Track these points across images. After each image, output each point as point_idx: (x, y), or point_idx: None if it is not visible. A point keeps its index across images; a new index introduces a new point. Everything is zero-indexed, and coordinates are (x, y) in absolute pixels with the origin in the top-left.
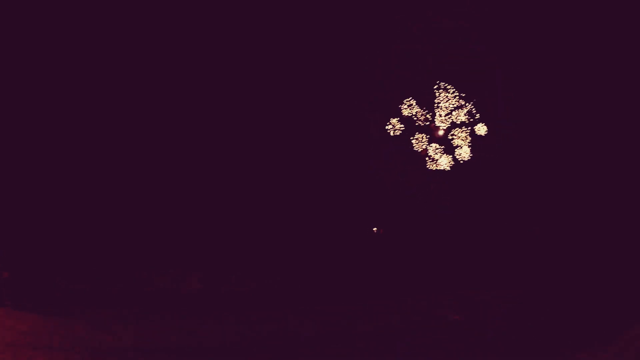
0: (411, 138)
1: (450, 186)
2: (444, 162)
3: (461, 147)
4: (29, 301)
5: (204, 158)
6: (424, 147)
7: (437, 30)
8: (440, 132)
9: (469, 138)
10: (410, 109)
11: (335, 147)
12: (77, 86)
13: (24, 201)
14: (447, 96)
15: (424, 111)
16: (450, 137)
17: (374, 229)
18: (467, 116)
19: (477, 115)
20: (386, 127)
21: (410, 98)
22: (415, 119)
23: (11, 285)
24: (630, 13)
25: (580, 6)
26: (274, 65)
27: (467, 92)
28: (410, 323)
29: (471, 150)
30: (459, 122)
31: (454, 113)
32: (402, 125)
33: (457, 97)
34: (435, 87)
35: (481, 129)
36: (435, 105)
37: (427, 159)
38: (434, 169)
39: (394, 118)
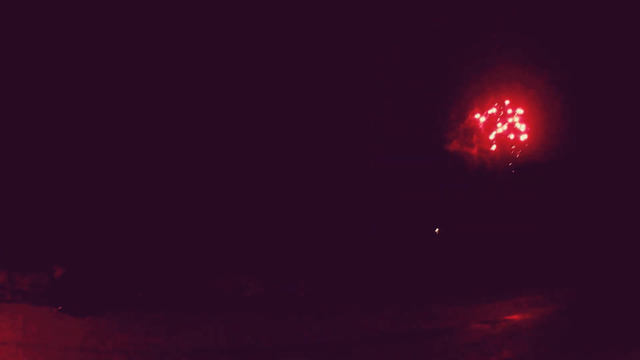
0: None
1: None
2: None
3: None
4: (78, 303)
5: (206, 159)
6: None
7: (437, 30)
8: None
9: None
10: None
11: (335, 148)
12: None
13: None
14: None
15: None
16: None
17: (436, 230)
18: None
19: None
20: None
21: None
22: None
23: (64, 287)
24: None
25: (581, 5)
26: (273, 65)
27: (468, 93)
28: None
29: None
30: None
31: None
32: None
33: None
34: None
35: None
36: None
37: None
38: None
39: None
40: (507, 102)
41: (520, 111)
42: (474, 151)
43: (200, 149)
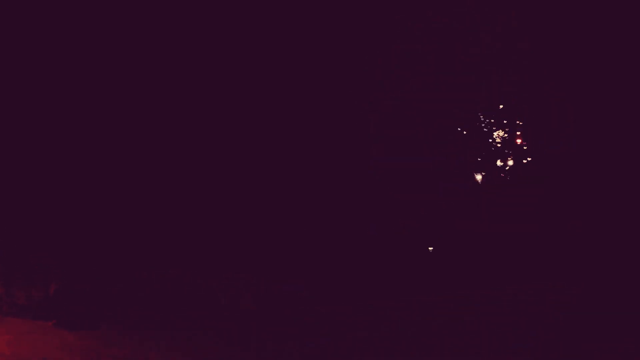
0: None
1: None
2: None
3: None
4: (74, 317)
5: (206, 158)
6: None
7: (437, 30)
8: None
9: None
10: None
11: (335, 148)
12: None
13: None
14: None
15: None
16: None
17: (430, 248)
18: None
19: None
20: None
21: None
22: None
23: (59, 301)
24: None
25: (583, 5)
26: (272, 65)
27: (469, 94)
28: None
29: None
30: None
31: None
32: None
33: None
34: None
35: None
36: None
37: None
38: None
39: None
40: (500, 107)
41: (519, 122)
42: (473, 158)
43: (200, 149)
